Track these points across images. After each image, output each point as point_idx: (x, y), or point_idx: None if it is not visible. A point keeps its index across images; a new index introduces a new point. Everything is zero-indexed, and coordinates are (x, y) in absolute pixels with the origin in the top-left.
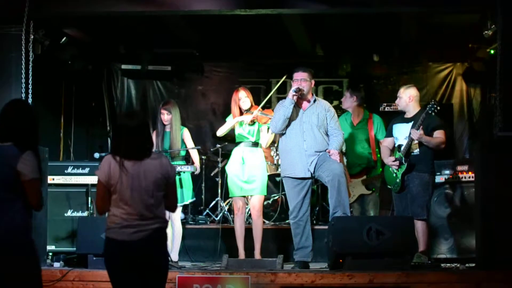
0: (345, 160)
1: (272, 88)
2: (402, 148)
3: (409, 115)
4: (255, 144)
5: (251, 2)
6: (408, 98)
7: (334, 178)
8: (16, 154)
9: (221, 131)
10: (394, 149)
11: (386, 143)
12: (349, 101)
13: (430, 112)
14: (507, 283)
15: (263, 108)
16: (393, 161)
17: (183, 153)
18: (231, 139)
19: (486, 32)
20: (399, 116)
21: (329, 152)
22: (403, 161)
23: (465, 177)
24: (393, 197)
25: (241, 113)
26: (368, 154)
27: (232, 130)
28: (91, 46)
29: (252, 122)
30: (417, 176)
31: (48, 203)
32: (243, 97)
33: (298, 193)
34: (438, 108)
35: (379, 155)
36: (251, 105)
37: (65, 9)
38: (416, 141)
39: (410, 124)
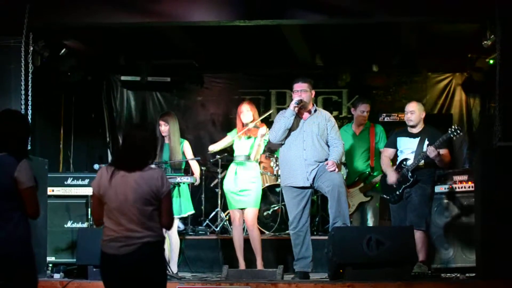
0: (345, 170)
1: (272, 98)
2: (410, 164)
3: (415, 130)
4: (248, 158)
5: (250, 13)
6: (421, 114)
7: (334, 188)
8: (13, 162)
9: (213, 147)
10: (395, 161)
11: (387, 153)
12: (354, 113)
13: (451, 136)
14: None
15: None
16: (393, 182)
17: (183, 165)
18: (230, 150)
19: (485, 42)
20: (403, 130)
21: (326, 164)
22: (409, 176)
23: (464, 187)
24: (390, 208)
25: (243, 127)
26: (367, 162)
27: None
28: (91, 58)
29: (248, 136)
30: (419, 188)
31: (48, 214)
32: (245, 110)
33: (298, 203)
34: (461, 133)
35: (377, 163)
36: (253, 119)
37: (64, 21)
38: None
39: (416, 139)
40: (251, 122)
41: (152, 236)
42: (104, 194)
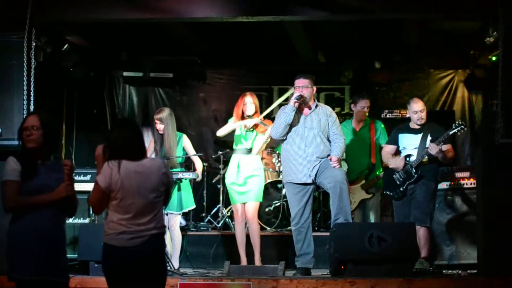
0: (346, 166)
1: (274, 95)
2: (413, 160)
3: (417, 126)
4: (250, 150)
5: (252, 9)
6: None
7: (336, 184)
8: None
9: (221, 132)
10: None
11: (388, 149)
12: (355, 109)
13: (456, 131)
14: None
15: (264, 118)
16: (401, 166)
17: (180, 160)
18: (231, 146)
19: (488, 39)
20: (404, 126)
21: (330, 159)
22: (413, 172)
23: (466, 184)
24: (394, 204)
25: (243, 118)
26: (368, 159)
27: (232, 133)
28: (93, 53)
29: (252, 129)
30: (424, 184)
31: None
32: (248, 102)
33: (300, 199)
34: (465, 129)
35: (378, 159)
36: (255, 112)
37: (67, 16)
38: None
39: (419, 135)
40: (254, 114)
41: (158, 228)
42: (116, 189)
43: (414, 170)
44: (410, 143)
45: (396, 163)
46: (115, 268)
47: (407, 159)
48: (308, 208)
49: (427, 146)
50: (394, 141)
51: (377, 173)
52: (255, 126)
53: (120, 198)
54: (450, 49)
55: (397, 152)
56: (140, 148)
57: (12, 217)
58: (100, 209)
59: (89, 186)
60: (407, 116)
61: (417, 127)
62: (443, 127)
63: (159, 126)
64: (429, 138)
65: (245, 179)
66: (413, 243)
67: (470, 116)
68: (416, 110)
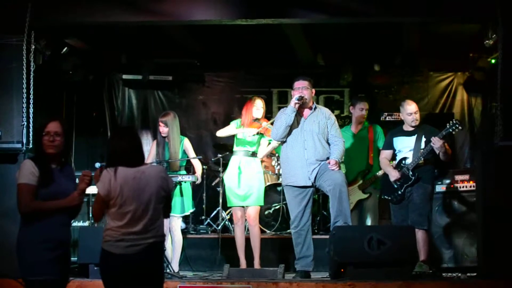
0: (344, 169)
1: (273, 98)
2: (410, 162)
3: (410, 128)
4: (253, 154)
5: (252, 12)
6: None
7: (335, 187)
8: None
9: (222, 133)
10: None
11: (385, 155)
12: (353, 112)
13: (450, 130)
14: None
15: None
16: (397, 178)
17: (183, 163)
18: (232, 149)
19: (487, 41)
20: (398, 129)
21: (329, 163)
22: (410, 175)
23: (466, 187)
24: (391, 208)
25: (252, 121)
26: (366, 160)
27: (232, 136)
28: (92, 56)
29: (261, 134)
30: (421, 187)
31: None
32: (259, 107)
33: (299, 202)
34: (460, 128)
35: (376, 161)
36: (262, 116)
37: (66, 19)
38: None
39: (413, 137)
40: (261, 118)
41: (157, 237)
42: (115, 197)
43: (411, 173)
44: (405, 146)
45: (392, 174)
46: (113, 274)
47: (403, 162)
48: (308, 211)
49: (423, 146)
50: (389, 145)
51: (374, 173)
52: (262, 131)
53: (119, 205)
54: (450, 51)
55: (393, 156)
56: (138, 155)
57: (23, 220)
58: (100, 216)
59: (88, 189)
60: (402, 119)
61: (411, 129)
62: (437, 129)
63: (163, 129)
64: (423, 139)
65: (246, 182)
66: (413, 246)
67: (470, 118)
68: (411, 112)
